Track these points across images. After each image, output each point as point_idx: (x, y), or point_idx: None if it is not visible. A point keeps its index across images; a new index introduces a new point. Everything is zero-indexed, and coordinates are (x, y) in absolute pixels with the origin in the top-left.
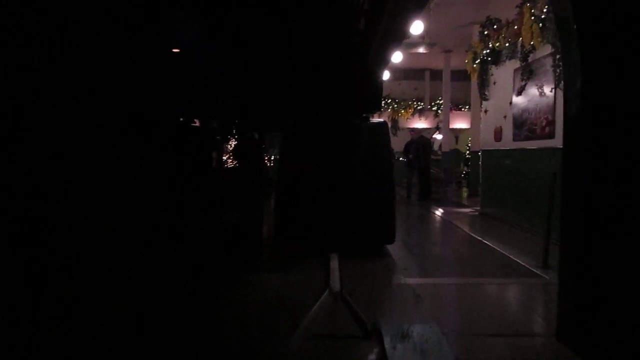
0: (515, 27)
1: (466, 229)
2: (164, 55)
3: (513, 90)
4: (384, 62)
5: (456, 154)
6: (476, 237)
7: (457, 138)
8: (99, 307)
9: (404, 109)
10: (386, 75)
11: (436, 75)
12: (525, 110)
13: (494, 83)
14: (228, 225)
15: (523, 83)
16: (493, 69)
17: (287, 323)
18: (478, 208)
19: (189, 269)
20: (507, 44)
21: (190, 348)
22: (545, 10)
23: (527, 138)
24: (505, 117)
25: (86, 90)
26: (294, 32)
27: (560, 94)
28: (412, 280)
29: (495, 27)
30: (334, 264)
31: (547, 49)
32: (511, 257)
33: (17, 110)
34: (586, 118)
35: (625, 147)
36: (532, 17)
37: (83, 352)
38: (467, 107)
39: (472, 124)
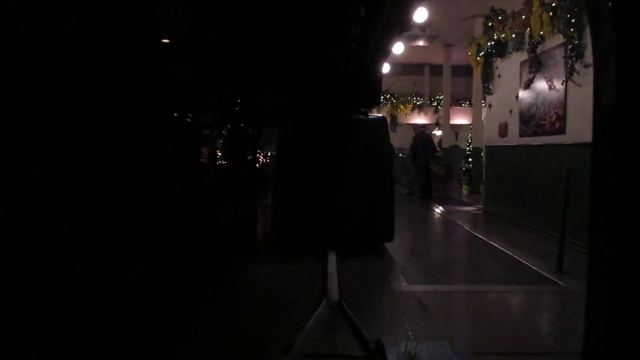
0: (523, 16)
1: (471, 229)
2: (151, 45)
3: (520, 83)
4: (384, 53)
5: (456, 150)
6: (482, 237)
7: (457, 134)
8: (92, 308)
9: (403, 104)
10: (386, 68)
11: (436, 70)
12: (533, 104)
13: (499, 76)
14: (221, 223)
15: (531, 76)
16: (498, 62)
17: (279, 338)
18: (481, 206)
19: (180, 270)
20: (513, 35)
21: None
22: None
23: (535, 134)
24: (511, 111)
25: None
26: (290, 18)
27: (572, 87)
28: (416, 288)
29: (500, 18)
30: (332, 267)
31: (558, 39)
32: (521, 260)
33: None
34: (621, 110)
35: None
36: (542, 6)
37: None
38: (467, 102)
39: (473, 120)
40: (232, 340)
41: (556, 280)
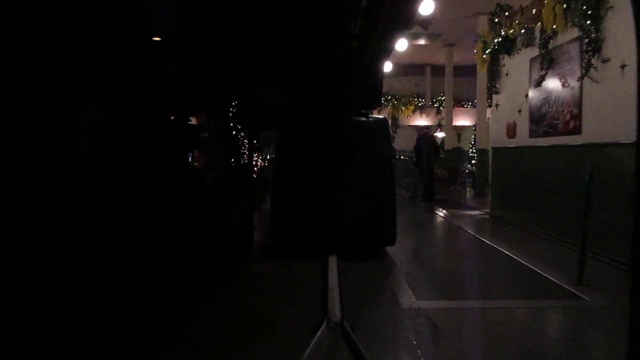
0: (534, 10)
1: (478, 234)
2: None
3: (529, 81)
4: (386, 51)
5: (459, 152)
6: (491, 244)
7: (459, 136)
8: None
9: (404, 105)
10: (388, 67)
11: (437, 70)
12: (544, 103)
13: (507, 74)
14: (215, 227)
15: (542, 73)
16: (506, 60)
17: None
18: (487, 210)
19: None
20: (522, 31)
21: None
22: None
23: (547, 134)
24: (520, 111)
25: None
26: (288, 11)
27: (588, 83)
28: (426, 304)
29: (507, 13)
30: (333, 281)
31: (572, 33)
32: (536, 269)
33: None
34: None
35: None
36: None
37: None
38: (470, 103)
39: (478, 121)
40: None
41: (578, 294)
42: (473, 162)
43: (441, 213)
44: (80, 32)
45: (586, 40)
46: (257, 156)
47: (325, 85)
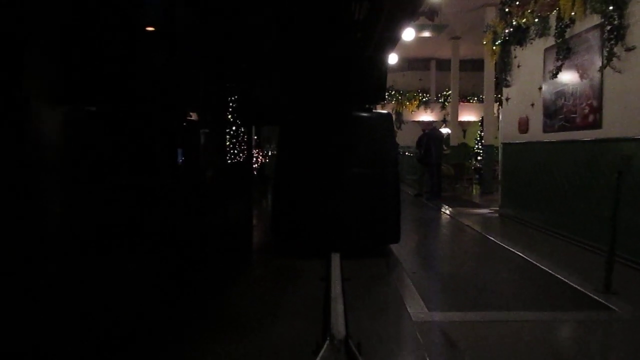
0: None
1: (489, 234)
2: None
3: (543, 73)
4: (391, 41)
5: (464, 148)
6: (504, 245)
7: (464, 132)
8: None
9: (408, 100)
10: (393, 59)
11: (442, 65)
12: (560, 96)
13: (518, 66)
14: (211, 226)
15: (558, 64)
16: (517, 51)
17: None
18: (496, 208)
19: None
20: (536, 20)
21: None
22: None
23: (563, 128)
24: (532, 104)
25: None
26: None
27: (610, 74)
28: (439, 316)
29: (518, 2)
30: (336, 289)
31: (592, 20)
32: (557, 275)
33: None
34: None
35: None
36: None
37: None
38: (476, 98)
39: (485, 116)
40: None
41: (607, 304)
42: (479, 158)
43: (448, 211)
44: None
45: (608, 28)
46: (257, 152)
47: (328, 78)
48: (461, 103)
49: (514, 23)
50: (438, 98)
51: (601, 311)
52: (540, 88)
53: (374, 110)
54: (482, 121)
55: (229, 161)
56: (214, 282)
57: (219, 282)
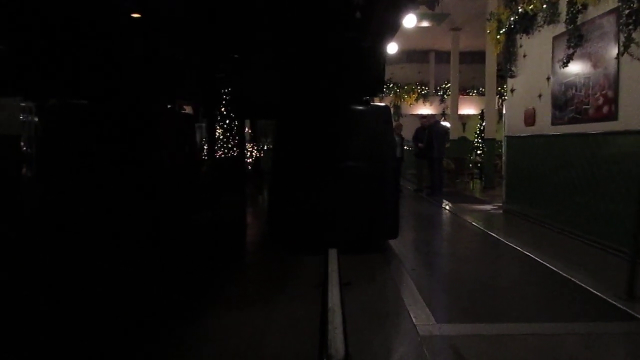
0: None
1: (495, 233)
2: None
3: (552, 62)
4: (391, 29)
5: (464, 142)
6: (511, 245)
7: (464, 125)
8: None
9: (407, 94)
10: (393, 48)
11: (441, 57)
12: (570, 86)
13: (524, 56)
14: (202, 223)
15: (569, 52)
16: (523, 40)
17: None
18: (499, 204)
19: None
20: (544, 6)
21: None
22: None
23: (574, 120)
24: (540, 96)
25: None
26: None
27: (627, 62)
28: (449, 329)
29: None
30: (334, 299)
31: (607, 5)
32: (572, 279)
33: None
34: None
35: None
36: None
37: None
38: (475, 91)
39: (486, 109)
40: None
41: (632, 313)
42: (479, 152)
43: (450, 207)
44: None
45: (626, 12)
46: (252, 147)
47: (324, 69)
48: (461, 96)
49: (520, 10)
50: (437, 91)
51: (628, 322)
52: (548, 78)
53: (372, 103)
54: (482, 114)
55: (221, 156)
56: (198, 290)
57: (203, 291)
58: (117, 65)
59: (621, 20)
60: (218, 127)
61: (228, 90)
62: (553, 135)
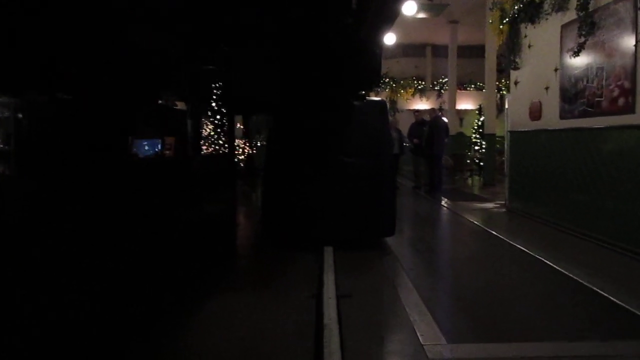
0: None
1: (501, 234)
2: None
3: (561, 52)
4: (388, 20)
5: (462, 137)
6: (521, 248)
7: (461, 120)
8: None
9: (403, 88)
10: (391, 39)
11: (438, 51)
12: (581, 77)
13: (529, 47)
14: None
15: (581, 40)
16: (529, 29)
17: None
18: (502, 202)
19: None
20: None
21: None
22: None
23: (585, 114)
24: (547, 88)
25: None
26: None
27: None
28: (462, 351)
29: None
30: (330, 313)
31: None
32: (592, 287)
33: None
34: None
35: None
36: None
37: None
38: (473, 86)
39: (486, 103)
40: None
41: None
42: (476, 148)
43: (450, 206)
44: None
45: None
46: (245, 143)
47: (319, 60)
48: (458, 91)
49: None
50: (434, 86)
51: None
52: (556, 69)
53: (368, 98)
54: (479, 109)
55: (210, 152)
56: (175, 306)
57: (182, 307)
58: (95, 56)
59: (639, 6)
60: (208, 123)
61: (218, 84)
62: (561, 129)
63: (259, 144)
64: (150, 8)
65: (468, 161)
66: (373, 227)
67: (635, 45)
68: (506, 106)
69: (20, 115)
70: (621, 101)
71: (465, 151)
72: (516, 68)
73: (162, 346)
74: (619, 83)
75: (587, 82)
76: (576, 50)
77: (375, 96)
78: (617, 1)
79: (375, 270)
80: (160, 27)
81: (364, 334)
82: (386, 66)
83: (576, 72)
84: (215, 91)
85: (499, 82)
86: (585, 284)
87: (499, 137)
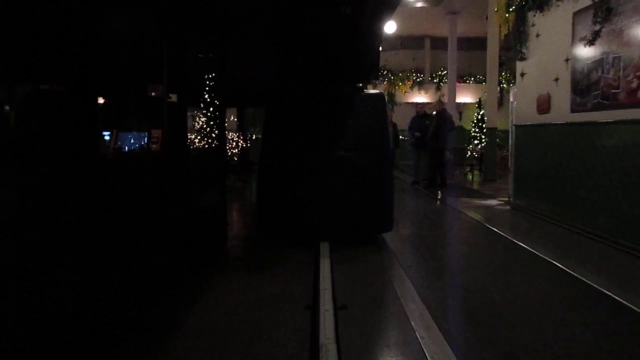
0: None
1: (509, 235)
2: None
3: (572, 41)
4: (388, 8)
5: (461, 131)
6: (531, 250)
7: (460, 114)
8: None
9: (401, 81)
10: (391, 27)
11: (437, 43)
12: (595, 67)
13: (537, 36)
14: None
15: (596, 28)
16: (537, 17)
17: None
18: (505, 199)
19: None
20: None
21: None
22: None
23: (599, 107)
24: (556, 80)
25: None
26: None
27: None
28: None
29: None
30: (328, 332)
31: None
32: (615, 296)
33: None
34: None
35: None
36: None
37: None
38: (472, 79)
39: (488, 96)
40: None
41: None
42: (476, 142)
43: (452, 202)
44: None
45: None
46: (239, 136)
47: (316, 49)
48: (457, 84)
49: None
50: (433, 78)
51: None
52: (567, 60)
53: (365, 91)
54: (479, 102)
55: (202, 146)
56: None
57: (166, 315)
58: (82, 44)
59: None
60: (201, 115)
61: (210, 75)
62: (572, 123)
63: (254, 137)
64: None
65: (468, 155)
66: (371, 222)
67: None
68: (511, 99)
69: (7, 108)
70: None
71: (465, 145)
72: (523, 59)
73: None
74: (638, 74)
75: (602, 72)
76: (590, 38)
77: (373, 89)
78: None
79: (374, 268)
80: (141, 11)
81: (366, 350)
82: (384, 58)
83: (589, 62)
84: (207, 82)
85: (500, 76)
86: (609, 293)
87: (499, 131)
